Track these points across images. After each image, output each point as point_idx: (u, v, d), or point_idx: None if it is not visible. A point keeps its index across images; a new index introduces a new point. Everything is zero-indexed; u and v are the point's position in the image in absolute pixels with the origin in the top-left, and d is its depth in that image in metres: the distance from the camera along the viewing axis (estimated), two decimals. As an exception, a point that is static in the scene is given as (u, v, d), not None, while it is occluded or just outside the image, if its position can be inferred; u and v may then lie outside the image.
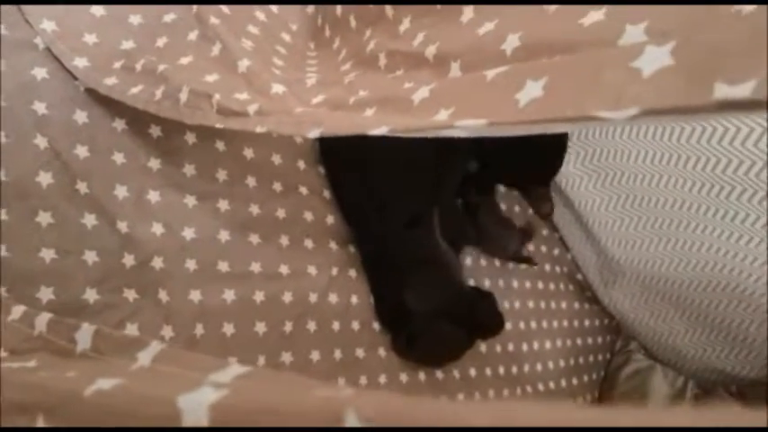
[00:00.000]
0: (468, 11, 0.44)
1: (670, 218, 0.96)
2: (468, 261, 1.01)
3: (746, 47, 0.23)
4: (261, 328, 0.72)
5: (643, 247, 1.04)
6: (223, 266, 0.71)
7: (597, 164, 1.02)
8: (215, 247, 0.71)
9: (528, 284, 1.08)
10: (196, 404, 0.23)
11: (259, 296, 0.73)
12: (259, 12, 0.71)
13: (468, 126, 0.31)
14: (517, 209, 1.12)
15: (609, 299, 1.16)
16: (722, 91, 0.22)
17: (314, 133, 0.44)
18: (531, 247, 1.11)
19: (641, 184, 0.97)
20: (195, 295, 0.68)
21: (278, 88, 0.56)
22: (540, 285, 1.10)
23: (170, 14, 0.68)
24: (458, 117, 0.32)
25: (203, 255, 0.70)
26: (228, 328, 0.70)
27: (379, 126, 0.38)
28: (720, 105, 0.22)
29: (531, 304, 1.07)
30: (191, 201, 0.70)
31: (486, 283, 1.02)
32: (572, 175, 1.06)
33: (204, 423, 0.22)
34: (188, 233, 0.69)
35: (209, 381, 0.26)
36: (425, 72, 0.48)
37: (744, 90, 0.22)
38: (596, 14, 0.34)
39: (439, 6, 0.47)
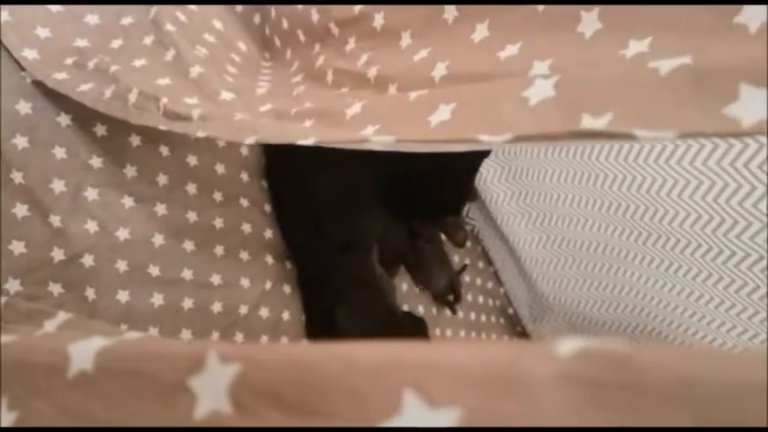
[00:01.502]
0: (407, 36, 0.48)
1: (594, 261, 1.02)
2: (404, 286, 1.03)
3: (608, 86, 0.26)
4: (186, 335, 0.72)
5: (569, 286, 1.10)
6: (154, 270, 0.71)
7: (530, 203, 1.07)
8: (148, 250, 0.71)
9: (461, 314, 1.11)
10: (83, 350, 0.24)
11: (188, 303, 0.73)
12: (216, 20, 0.73)
13: (380, 141, 0.34)
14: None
15: (537, 334, 1.21)
16: (587, 122, 0.26)
17: (249, 140, 0.46)
18: (466, 278, 1.15)
19: (570, 227, 1.02)
20: (123, 296, 0.67)
21: (226, 95, 0.58)
22: (473, 316, 1.14)
23: (127, 18, 0.70)
24: (380, 133, 0.35)
25: (135, 256, 0.70)
26: (153, 332, 0.69)
27: (307, 137, 0.40)
28: (584, 134, 0.26)
29: (462, 333, 1.10)
30: (128, 202, 0.70)
31: (420, 310, 1.04)
32: (508, 212, 1.11)
33: (89, 368, 0.23)
34: (122, 234, 0.69)
35: (102, 332, 0.27)
36: (368, 92, 0.51)
37: (602, 122, 0.25)
38: (512, 49, 0.38)
39: (379, 29, 0.51)
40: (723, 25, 0.30)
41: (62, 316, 0.34)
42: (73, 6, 0.71)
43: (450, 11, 0.44)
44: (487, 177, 1.10)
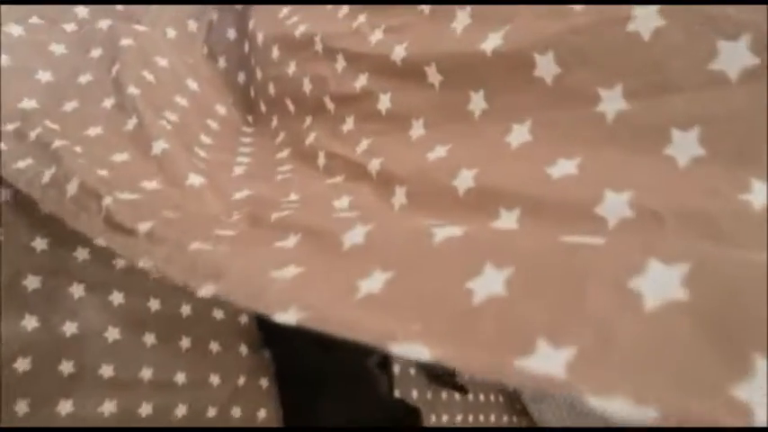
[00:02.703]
0: (418, 126, 0.39)
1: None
2: (396, 369, 0.92)
3: None
4: (142, 449, 0.60)
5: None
6: (106, 371, 0.60)
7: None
8: (99, 347, 0.60)
9: (457, 396, 1.00)
10: None
11: (146, 409, 0.61)
12: (191, 80, 0.64)
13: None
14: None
15: (538, 413, 1.10)
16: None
17: (206, 290, 0.35)
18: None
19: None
20: (64, 407, 0.56)
21: (195, 179, 0.49)
22: (470, 397, 1.03)
23: (86, 75, 0.60)
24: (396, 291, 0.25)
25: (83, 356, 0.59)
26: (101, 449, 0.57)
27: (287, 307, 0.29)
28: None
29: (459, 418, 0.99)
30: (78, 291, 0.59)
31: (414, 394, 0.93)
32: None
33: None
34: (68, 328, 0.58)
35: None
36: (366, 188, 0.41)
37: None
38: (568, 165, 0.29)
39: (384, 114, 0.42)
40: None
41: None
42: (23, 58, 0.61)
43: (478, 101, 0.35)
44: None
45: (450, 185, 0.34)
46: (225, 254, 0.37)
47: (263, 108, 0.65)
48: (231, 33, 0.71)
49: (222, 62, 0.71)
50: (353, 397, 0.78)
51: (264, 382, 0.74)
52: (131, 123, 0.54)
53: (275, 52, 0.58)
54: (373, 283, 0.26)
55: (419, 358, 0.22)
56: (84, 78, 0.60)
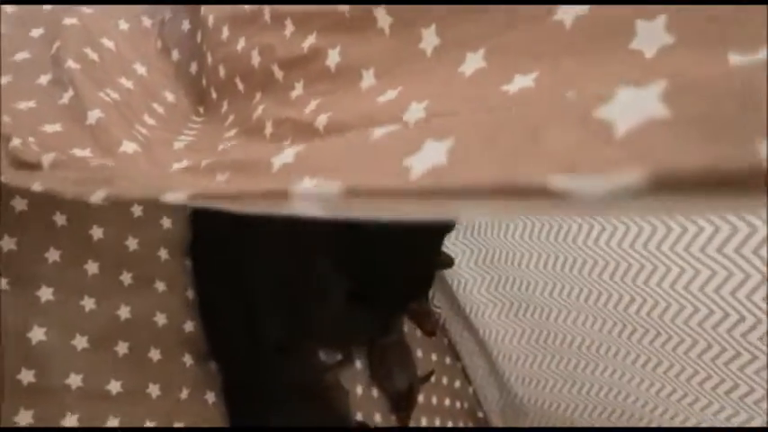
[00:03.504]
0: (369, 76, 0.36)
1: (576, 358, 0.89)
2: (358, 390, 0.86)
3: None
4: (64, 466, 0.53)
5: (546, 386, 0.96)
6: (27, 376, 0.53)
7: (503, 291, 0.95)
8: (21, 350, 0.54)
9: (424, 421, 0.94)
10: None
11: (70, 420, 0.55)
12: (139, 65, 0.61)
13: (320, 193, 0.21)
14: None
15: (510, 443, 1.04)
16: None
17: (96, 196, 0.32)
18: (433, 378, 0.99)
19: (548, 319, 0.90)
20: (-28, 414, 0.49)
21: (129, 146, 0.45)
22: (438, 422, 0.97)
23: (23, 53, 0.57)
24: (321, 186, 0.22)
25: (6, 359, 0.52)
26: (13, 466, 0.50)
27: (179, 190, 0.27)
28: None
29: (425, 447, 0.93)
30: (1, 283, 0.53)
31: (377, 418, 0.87)
32: (478, 301, 0.98)
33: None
34: (-13, 327, 0.52)
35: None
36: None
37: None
38: (525, 80, 0.27)
39: (334, 70, 0.39)
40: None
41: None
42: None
43: (430, 38, 0.33)
44: (455, 259, 0.98)
45: (399, 117, 0.31)
46: (125, 170, 0.34)
47: (213, 95, 0.62)
48: (185, 25, 0.68)
49: (176, 54, 0.68)
50: (307, 416, 0.72)
51: (210, 397, 0.67)
52: (67, 96, 0.51)
53: (225, 32, 0.55)
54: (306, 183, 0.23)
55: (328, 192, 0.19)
56: (20, 56, 0.56)
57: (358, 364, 0.88)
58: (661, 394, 0.78)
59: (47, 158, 0.36)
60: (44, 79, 0.53)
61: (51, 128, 0.47)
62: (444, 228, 0.88)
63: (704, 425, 0.75)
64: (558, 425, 0.97)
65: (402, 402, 0.87)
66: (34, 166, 0.36)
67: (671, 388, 0.77)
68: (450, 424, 1.00)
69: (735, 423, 0.70)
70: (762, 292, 0.60)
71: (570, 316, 0.85)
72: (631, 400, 0.84)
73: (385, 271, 0.79)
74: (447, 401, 1.01)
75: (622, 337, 0.79)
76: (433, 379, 0.98)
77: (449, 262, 0.96)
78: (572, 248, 0.79)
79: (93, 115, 0.47)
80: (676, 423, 0.79)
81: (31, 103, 0.50)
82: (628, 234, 0.73)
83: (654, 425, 0.82)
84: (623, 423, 0.87)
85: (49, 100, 0.51)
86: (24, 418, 0.52)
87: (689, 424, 0.77)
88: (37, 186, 0.34)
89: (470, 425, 1.05)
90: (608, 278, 0.76)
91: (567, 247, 0.80)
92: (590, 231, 0.77)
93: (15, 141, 0.37)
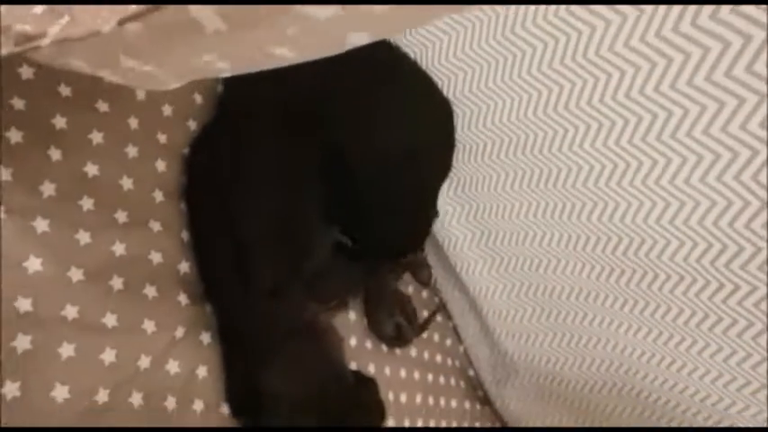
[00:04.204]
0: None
1: (567, 309, 0.91)
2: (352, 341, 0.88)
3: None
4: (61, 393, 0.54)
5: (537, 341, 0.97)
6: (24, 304, 0.53)
7: (494, 246, 0.96)
8: (19, 278, 0.54)
9: (417, 375, 0.95)
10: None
11: (67, 350, 0.55)
12: None
13: None
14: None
15: (501, 400, 1.06)
16: None
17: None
18: (424, 333, 1.00)
19: (538, 271, 0.91)
20: (-30, 338, 0.49)
21: None
22: (430, 378, 0.98)
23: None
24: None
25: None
26: (11, 389, 0.51)
27: None
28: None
29: (418, 399, 0.94)
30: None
31: (371, 369, 0.88)
32: (468, 258, 1.00)
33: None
34: (-19, 255, 0.52)
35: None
36: None
37: None
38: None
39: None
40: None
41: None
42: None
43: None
44: (445, 218, 0.99)
45: None
46: None
47: None
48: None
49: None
50: (302, 359, 0.73)
51: (206, 338, 0.68)
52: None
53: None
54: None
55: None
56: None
57: (352, 315, 0.89)
58: (650, 339, 0.79)
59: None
60: None
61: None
62: (440, 176, 0.90)
63: (700, 370, 0.75)
64: (549, 380, 0.99)
65: (395, 343, 0.89)
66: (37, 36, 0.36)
67: (657, 331, 0.78)
68: (442, 380, 1.01)
69: (733, 363, 0.71)
70: (761, 220, 0.60)
71: (560, 265, 0.87)
72: (620, 349, 0.86)
73: (379, 218, 0.80)
74: (438, 358, 1.02)
75: (610, 281, 0.80)
76: (424, 335, 1.00)
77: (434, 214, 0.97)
78: (560, 193, 0.80)
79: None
80: (674, 370, 0.79)
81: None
82: (615, 172, 0.73)
83: (643, 372, 0.84)
84: (611, 374, 0.89)
85: None
86: (22, 343, 0.52)
87: (685, 369, 0.77)
88: (44, 42, 0.35)
89: (462, 384, 1.06)
90: (596, 220, 0.77)
91: (555, 192, 0.81)
92: (578, 173, 0.77)
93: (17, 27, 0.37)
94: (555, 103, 0.75)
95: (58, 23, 0.36)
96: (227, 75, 0.43)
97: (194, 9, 0.32)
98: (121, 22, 0.34)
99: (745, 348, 0.69)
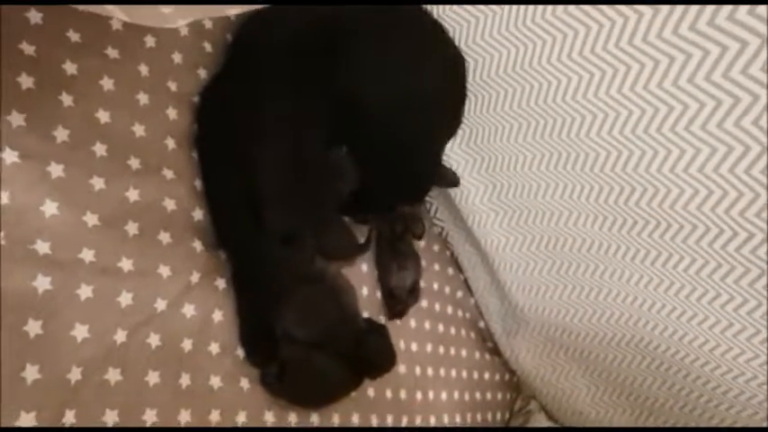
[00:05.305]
0: None
1: (577, 261, 0.91)
2: (364, 291, 0.89)
3: None
4: (81, 332, 0.56)
5: (547, 293, 0.98)
6: (42, 247, 0.55)
7: (505, 199, 0.96)
8: (36, 222, 0.55)
9: (428, 326, 0.97)
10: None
11: (85, 291, 0.57)
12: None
13: None
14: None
15: (510, 351, 1.08)
16: None
17: None
18: (434, 285, 1.01)
19: (549, 224, 0.91)
20: (-8, 279, 0.51)
21: None
22: (441, 328, 1.00)
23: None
24: None
25: (17, 229, 0.53)
26: (34, 327, 0.52)
27: None
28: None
29: (429, 348, 0.96)
30: (10, 156, 0.54)
31: (382, 320, 0.90)
32: (479, 211, 0.99)
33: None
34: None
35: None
36: None
37: None
38: None
39: None
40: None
41: None
42: None
43: None
44: (456, 170, 0.98)
45: None
46: None
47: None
48: None
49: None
50: (315, 303, 0.74)
51: (221, 283, 0.69)
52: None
53: None
54: None
55: None
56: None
57: (364, 267, 0.90)
58: (661, 289, 0.79)
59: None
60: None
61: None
62: (450, 127, 0.89)
63: (710, 320, 0.76)
64: (559, 332, 1.00)
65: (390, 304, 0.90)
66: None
67: (669, 281, 0.78)
68: (453, 331, 1.03)
69: (743, 312, 0.71)
70: (760, 165, 0.60)
71: (571, 217, 0.86)
72: (630, 300, 0.86)
73: (385, 162, 0.80)
74: (450, 309, 1.04)
75: (622, 232, 0.80)
76: (435, 286, 1.01)
77: (454, 180, 0.97)
78: (572, 143, 0.79)
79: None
80: (684, 320, 0.79)
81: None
82: (629, 120, 0.71)
83: (653, 323, 0.84)
84: (621, 325, 0.90)
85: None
86: (42, 284, 0.54)
87: (695, 319, 0.77)
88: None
89: (472, 335, 1.08)
90: (609, 170, 0.76)
91: (567, 142, 0.80)
92: (592, 123, 0.75)
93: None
94: (568, 51, 0.73)
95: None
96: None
97: None
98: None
99: (756, 297, 0.69)
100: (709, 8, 0.58)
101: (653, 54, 0.65)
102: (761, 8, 0.54)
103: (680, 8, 0.60)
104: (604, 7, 0.68)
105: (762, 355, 0.72)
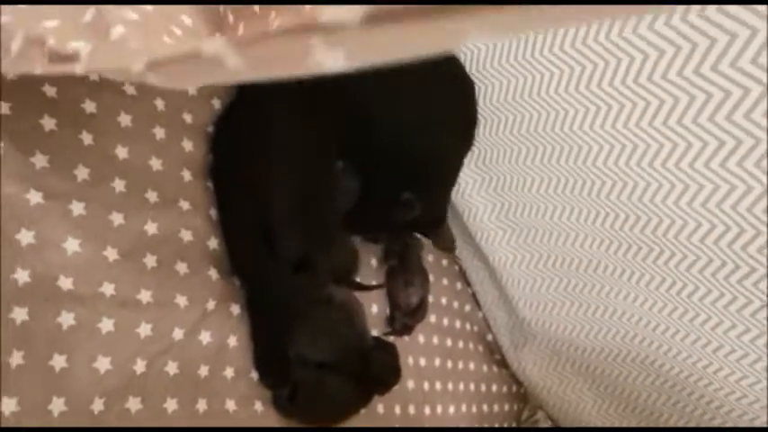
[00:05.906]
0: None
1: (583, 281, 0.92)
2: (374, 309, 0.91)
3: None
4: (103, 364, 0.58)
5: (554, 310, 1.00)
6: (65, 283, 0.57)
7: (513, 218, 0.97)
8: (58, 258, 0.57)
9: (435, 340, 0.99)
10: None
11: (107, 325, 0.59)
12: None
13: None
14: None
15: (518, 363, 1.10)
16: None
17: (137, 65, 0.34)
18: (443, 300, 1.03)
19: (556, 244, 0.92)
20: (19, 314, 0.54)
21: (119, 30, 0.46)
22: (449, 343, 1.02)
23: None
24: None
25: (41, 265, 0.56)
26: (59, 361, 0.55)
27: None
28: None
29: (437, 362, 0.98)
30: (35, 197, 0.57)
31: (391, 338, 0.92)
32: (488, 228, 1.01)
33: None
34: (24, 237, 0.55)
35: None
36: None
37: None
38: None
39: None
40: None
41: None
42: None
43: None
44: (466, 189, 0.99)
45: None
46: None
47: (230, 19, 0.63)
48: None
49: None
50: (326, 326, 0.76)
51: (235, 309, 0.72)
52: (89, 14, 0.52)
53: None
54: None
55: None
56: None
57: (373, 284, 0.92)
58: (665, 313, 0.81)
59: (84, 50, 0.38)
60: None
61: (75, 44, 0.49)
62: (462, 152, 0.90)
63: (713, 344, 0.77)
64: (565, 347, 1.02)
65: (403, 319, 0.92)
66: (72, 59, 0.38)
67: (673, 306, 0.80)
68: (461, 345, 1.05)
69: (746, 340, 0.72)
70: (762, 205, 0.61)
71: (578, 239, 0.88)
72: (635, 320, 0.88)
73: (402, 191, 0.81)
74: (458, 324, 1.06)
75: (627, 256, 0.81)
76: (444, 301, 1.03)
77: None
78: (579, 170, 0.80)
79: (117, 32, 0.48)
80: (688, 343, 0.80)
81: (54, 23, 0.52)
82: (634, 153, 0.73)
83: (658, 343, 0.86)
84: (627, 343, 0.91)
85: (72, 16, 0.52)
86: (66, 320, 0.56)
87: (699, 343, 0.79)
88: (79, 70, 0.37)
89: (480, 348, 1.10)
90: (615, 198, 0.77)
91: (575, 168, 0.81)
92: (598, 152, 0.77)
93: (51, 41, 0.39)
94: (577, 83, 0.74)
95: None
96: None
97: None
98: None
99: (759, 327, 0.70)
100: (714, 53, 0.59)
101: (657, 93, 0.66)
102: (762, 57, 0.54)
103: (684, 51, 0.61)
104: (614, 45, 0.69)
105: (763, 380, 0.74)
